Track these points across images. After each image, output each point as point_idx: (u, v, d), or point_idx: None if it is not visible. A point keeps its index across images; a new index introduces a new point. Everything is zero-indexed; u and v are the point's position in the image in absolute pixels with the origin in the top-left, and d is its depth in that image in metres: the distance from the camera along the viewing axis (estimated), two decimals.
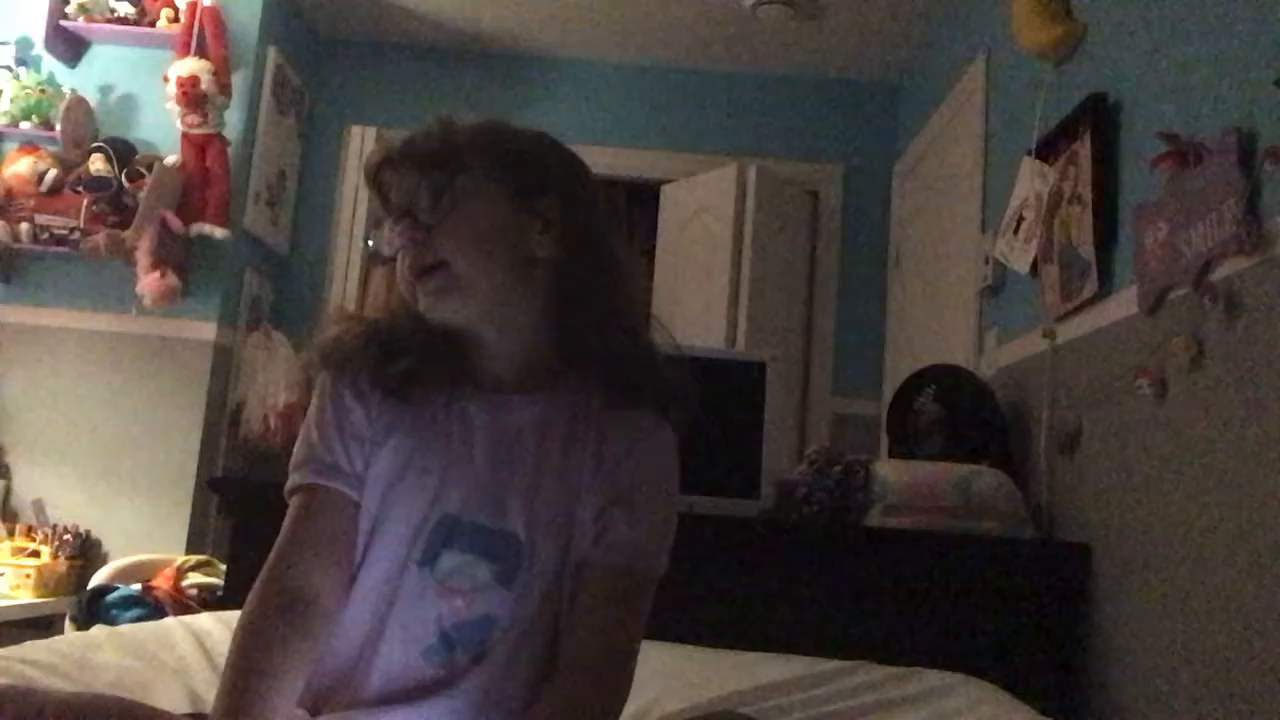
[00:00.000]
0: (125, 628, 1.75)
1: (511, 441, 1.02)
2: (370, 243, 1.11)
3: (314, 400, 1.04)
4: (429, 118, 1.06)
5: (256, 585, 0.98)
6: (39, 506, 3.16)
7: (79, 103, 3.31)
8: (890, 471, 2.21)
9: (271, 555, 0.99)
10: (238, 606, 1.79)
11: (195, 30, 3.28)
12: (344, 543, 0.99)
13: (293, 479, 1.02)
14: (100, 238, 3.10)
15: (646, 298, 4.09)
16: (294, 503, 1.01)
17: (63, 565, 3.00)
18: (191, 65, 3.19)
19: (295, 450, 1.03)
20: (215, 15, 3.31)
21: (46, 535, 3.05)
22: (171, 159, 3.25)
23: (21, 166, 3.22)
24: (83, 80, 3.42)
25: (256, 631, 0.94)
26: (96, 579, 2.78)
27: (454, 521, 0.99)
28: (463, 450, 1.02)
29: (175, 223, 3.18)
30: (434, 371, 1.02)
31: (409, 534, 0.99)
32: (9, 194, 3.21)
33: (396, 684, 0.97)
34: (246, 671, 0.92)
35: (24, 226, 3.18)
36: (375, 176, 1.05)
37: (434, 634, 0.97)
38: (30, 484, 3.20)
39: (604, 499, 1.00)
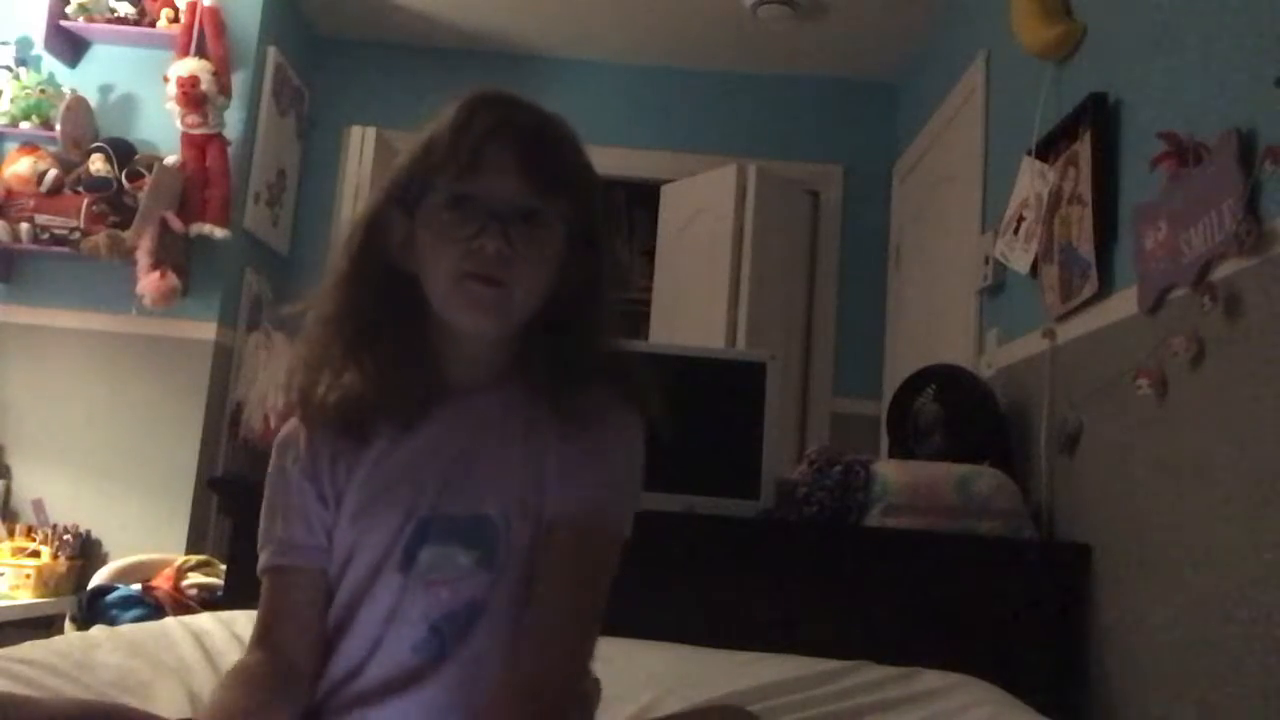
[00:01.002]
0: (125, 628, 1.75)
1: (477, 429, 1.03)
2: (423, 210, 0.98)
3: (267, 481, 1.07)
4: (518, 100, 1.02)
5: (246, 653, 1.03)
6: (39, 506, 3.16)
7: (79, 103, 3.31)
8: (890, 471, 2.21)
9: (255, 629, 1.04)
10: (238, 606, 1.81)
11: (195, 30, 3.28)
12: (316, 611, 1.03)
13: (260, 560, 1.05)
14: (100, 238, 3.10)
15: (645, 299, 4.10)
16: (266, 581, 1.05)
17: (63, 565, 3.00)
18: (191, 65, 3.19)
19: (260, 528, 1.06)
20: (215, 15, 3.31)
21: (46, 535, 3.05)
22: (171, 159, 3.25)
23: (21, 166, 3.22)
24: (83, 80, 3.41)
25: (246, 683, 0.98)
26: (96, 579, 2.78)
27: (428, 520, 1.01)
28: (430, 452, 1.03)
29: (175, 223, 3.18)
30: (393, 398, 1.02)
31: (388, 547, 1.01)
32: (9, 194, 3.21)
33: (387, 680, 0.98)
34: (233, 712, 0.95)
35: (24, 226, 3.18)
36: (481, 146, 0.97)
37: (423, 629, 0.99)
38: (30, 484, 3.20)
39: (565, 457, 1.01)
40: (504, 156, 0.97)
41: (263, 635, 1.03)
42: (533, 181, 0.97)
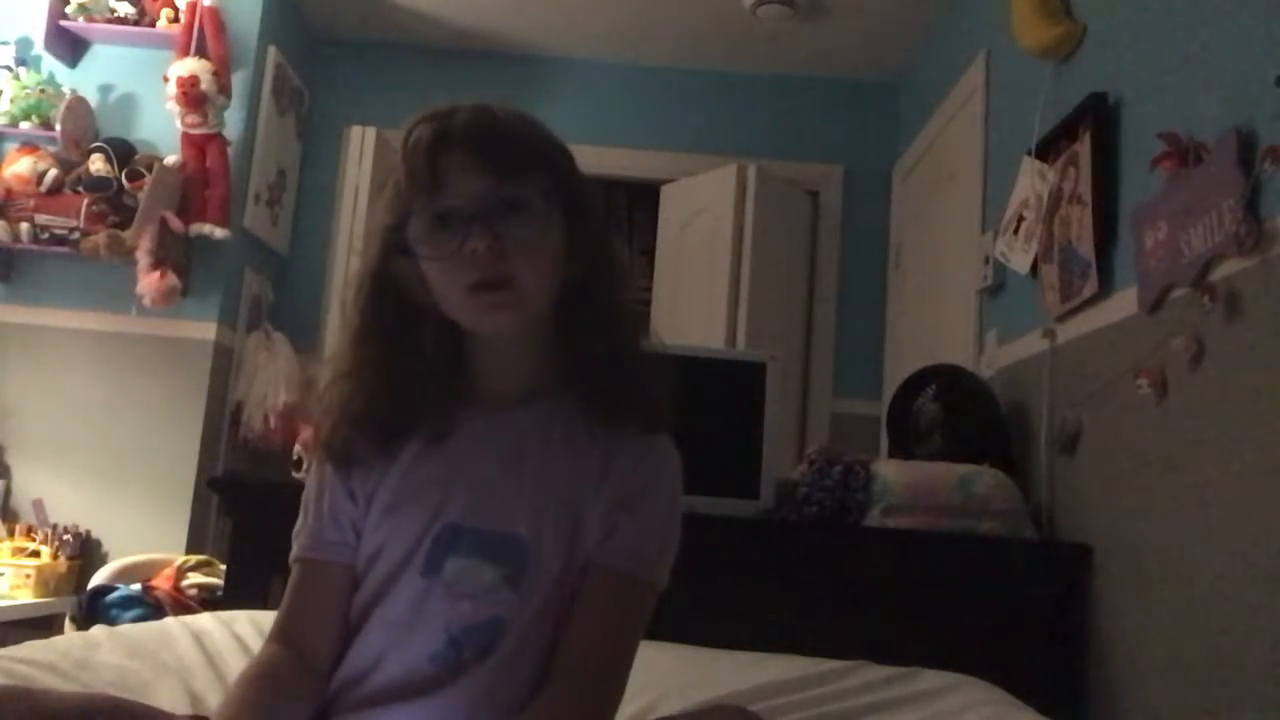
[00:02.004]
0: (125, 628, 1.75)
1: (514, 447, 1.03)
2: (413, 243, 0.98)
3: (310, 473, 1.09)
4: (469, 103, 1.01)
5: (265, 644, 1.04)
6: (39, 506, 3.15)
7: (79, 103, 3.31)
8: (890, 471, 2.21)
9: (278, 617, 1.05)
10: (238, 606, 1.81)
11: (195, 30, 3.27)
12: (339, 606, 1.04)
13: (294, 549, 1.07)
14: (100, 238, 3.10)
15: (645, 299, 4.10)
16: (295, 570, 1.07)
17: (63, 565, 3.00)
18: (191, 65, 3.19)
19: (298, 519, 1.08)
20: (215, 15, 3.31)
21: (46, 535, 3.05)
22: (171, 159, 3.25)
23: (21, 166, 3.22)
24: (83, 80, 3.41)
25: (257, 678, 0.99)
26: (96, 579, 2.78)
27: (456, 529, 1.01)
28: (464, 463, 1.03)
29: (175, 223, 3.18)
30: (428, 411, 1.03)
31: (411, 548, 1.01)
32: (9, 194, 3.21)
33: (400, 684, 0.98)
34: (249, 709, 0.96)
35: (24, 226, 3.18)
36: (434, 160, 0.96)
37: (442, 639, 0.98)
38: (30, 484, 3.20)
39: (610, 503, 1.01)
40: (459, 159, 0.96)
41: (284, 627, 1.04)
42: (495, 169, 0.96)
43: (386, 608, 1.00)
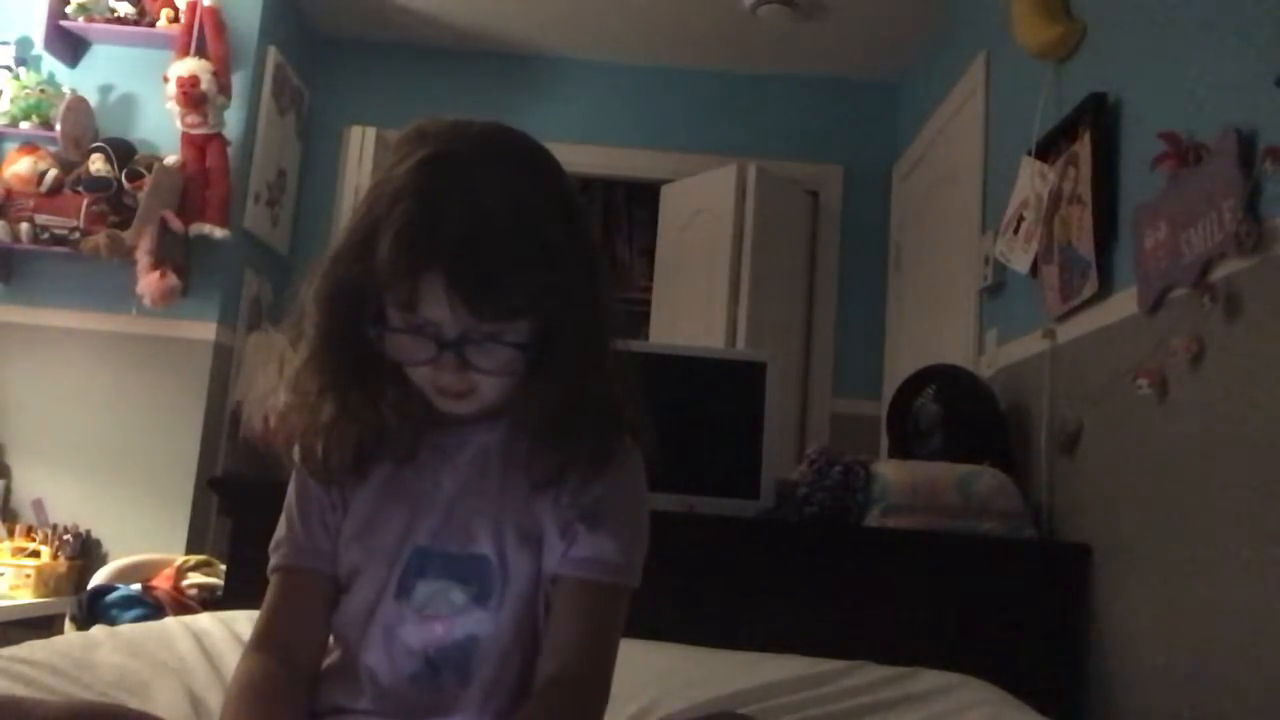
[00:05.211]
0: (125, 628, 1.75)
1: (478, 466, 1.03)
2: (380, 332, 0.95)
3: (290, 485, 1.08)
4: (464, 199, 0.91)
5: (248, 654, 1.02)
6: (39, 506, 3.16)
7: (79, 103, 3.31)
8: (890, 471, 2.21)
9: (260, 626, 1.04)
10: (238, 606, 1.81)
11: (195, 30, 3.27)
12: (322, 616, 1.04)
13: (272, 560, 1.06)
14: (100, 238, 3.10)
15: (645, 299, 4.10)
16: (274, 580, 1.06)
17: (63, 565, 3.00)
18: (191, 65, 3.19)
19: (276, 530, 1.07)
20: (215, 15, 3.31)
21: (46, 535, 3.05)
22: (171, 159, 3.25)
23: (21, 166, 3.22)
24: (83, 80, 3.41)
25: (255, 694, 0.97)
26: (96, 579, 2.78)
27: (424, 554, 1.01)
28: (431, 483, 1.03)
29: (175, 223, 3.18)
30: (394, 432, 1.02)
31: (385, 572, 1.01)
32: (9, 194, 3.21)
33: (381, 708, 0.98)
34: None
35: (24, 226, 3.18)
36: (413, 276, 0.90)
37: (419, 660, 0.99)
38: (30, 484, 3.20)
39: (569, 515, 1.01)
40: (439, 288, 0.90)
41: (266, 636, 1.02)
42: (474, 311, 0.91)
43: (367, 632, 1.01)
